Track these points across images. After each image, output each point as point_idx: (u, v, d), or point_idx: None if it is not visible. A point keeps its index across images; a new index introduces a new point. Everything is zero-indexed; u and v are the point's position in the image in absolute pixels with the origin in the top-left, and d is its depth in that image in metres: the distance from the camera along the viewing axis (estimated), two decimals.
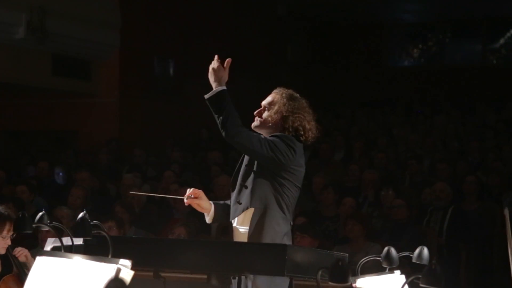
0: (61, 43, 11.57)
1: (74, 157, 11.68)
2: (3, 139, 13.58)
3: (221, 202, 4.70)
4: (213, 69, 4.43)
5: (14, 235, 4.60)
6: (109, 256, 3.60)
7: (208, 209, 4.58)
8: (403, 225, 8.04)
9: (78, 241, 3.89)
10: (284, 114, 4.52)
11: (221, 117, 4.34)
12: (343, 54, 18.29)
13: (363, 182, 9.38)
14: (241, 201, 4.49)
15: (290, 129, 4.50)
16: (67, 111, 12.91)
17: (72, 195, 8.46)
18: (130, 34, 12.63)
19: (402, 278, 3.73)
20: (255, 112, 4.62)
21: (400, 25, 18.98)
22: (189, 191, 4.54)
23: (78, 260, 3.17)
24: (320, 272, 3.48)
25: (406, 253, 3.90)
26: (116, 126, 12.80)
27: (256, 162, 4.47)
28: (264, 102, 4.62)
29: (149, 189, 9.42)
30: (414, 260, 3.84)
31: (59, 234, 3.91)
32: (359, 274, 3.77)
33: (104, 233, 3.93)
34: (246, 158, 4.56)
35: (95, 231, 3.91)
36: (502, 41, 18.20)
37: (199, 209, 4.58)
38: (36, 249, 5.12)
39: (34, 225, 3.97)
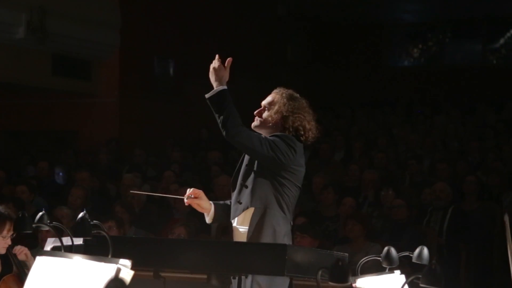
0: (61, 43, 11.56)
1: (74, 157, 11.68)
2: (3, 139, 13.58)
3: (221, 202, 4.70)
4: (214, 68, 4.43)
5: (14, 235, 4.60)
6: (109, 256, 3.60)
7: (208, 209, 4.58)
8: (403, 225, 8.04)
9: (78, 241, 3.88)
10: (284, 114, 4.52)
11: (221, 117, 4.34)
12: (343, 54, 18.27)
13: (363, 182, 9.38)
14: (241, 201, 4.49)
15: (290, 129, 4.50)
16: (67, 111, 12.91)
17: (72, 195, 8.46)
18: (130, 34, 12.62)
19: (402, 278, 3.73)
20: (255, 112, 4.62)
21: (400, 25, 18.96)
22: (189, 191, 4.54)
23: (78, 260, 3.17)
24: (320, 272, 3.48)
25: (406, 253, 3.90)
26: (116, 126, 12.79)
27: (256, 161, 4.47)
28: (264, 102, 4.62)
29: (149, 189, 9.42)
30: (414, 260, 3.84)
31: (59, 234, 3.90)
32: (359, 274, 3.77)
33: (104, 233, 3.93)
34: (247, 157, 4.56)
35: (95, 231, 3.90)
36: (502, 41, 18.19)
37: (199, 209, 4.58)
38: (36, 249, 5.11)
39: (34, 225, 3.97)
